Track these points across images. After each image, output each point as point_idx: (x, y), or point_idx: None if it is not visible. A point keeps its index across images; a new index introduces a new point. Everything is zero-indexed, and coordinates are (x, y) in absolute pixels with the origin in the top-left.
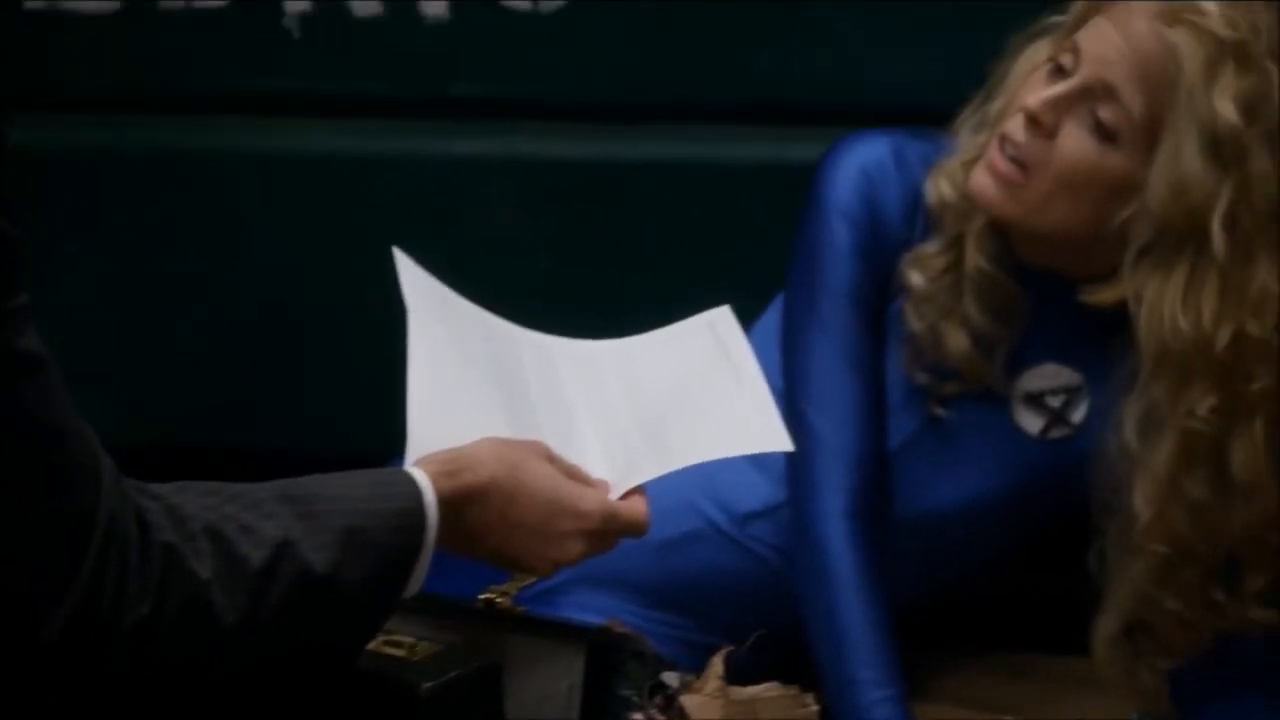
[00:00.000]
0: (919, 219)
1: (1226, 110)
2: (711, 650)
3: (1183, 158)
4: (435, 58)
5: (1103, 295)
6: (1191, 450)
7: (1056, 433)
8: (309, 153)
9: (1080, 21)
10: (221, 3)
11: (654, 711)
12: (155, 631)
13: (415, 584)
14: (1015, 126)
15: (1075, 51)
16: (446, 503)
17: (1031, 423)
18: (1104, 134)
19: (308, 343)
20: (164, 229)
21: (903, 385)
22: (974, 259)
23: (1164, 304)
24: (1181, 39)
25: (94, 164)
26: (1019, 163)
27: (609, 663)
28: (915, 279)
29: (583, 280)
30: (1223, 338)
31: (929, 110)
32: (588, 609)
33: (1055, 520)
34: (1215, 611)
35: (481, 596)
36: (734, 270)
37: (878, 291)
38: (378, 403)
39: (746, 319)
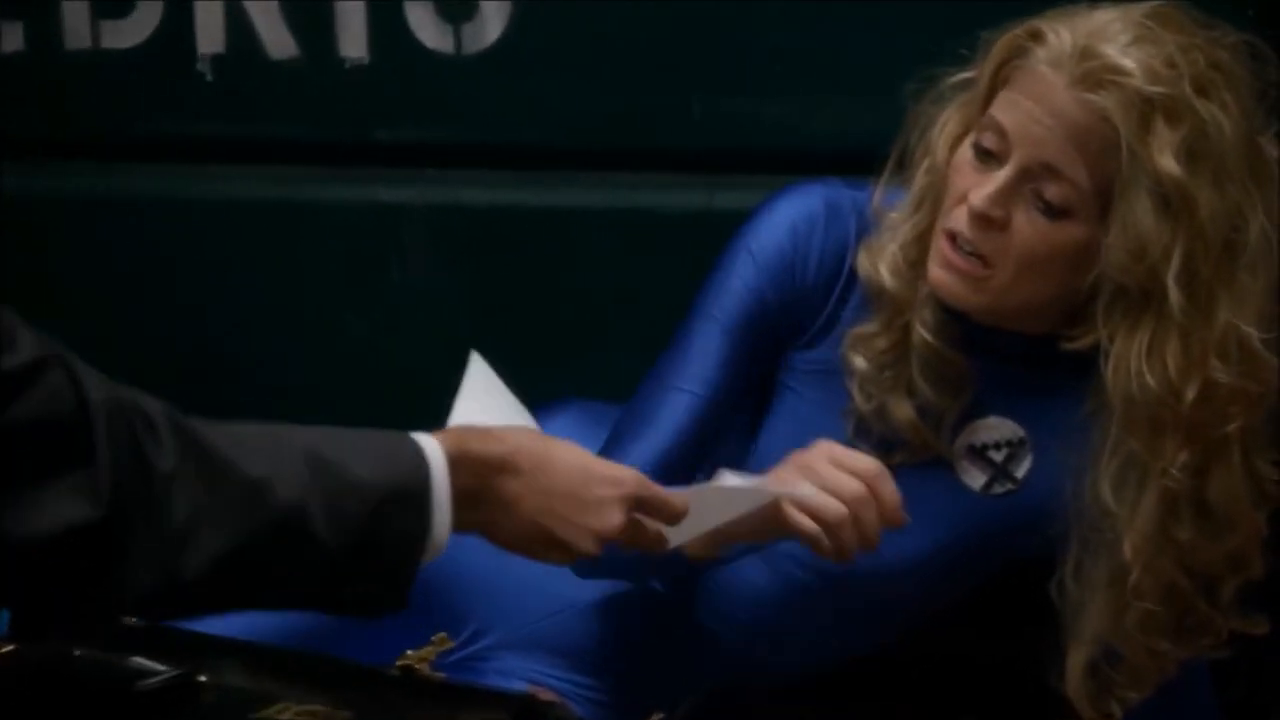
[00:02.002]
0: (849, 260)
1: (1168, 164)
2: (641, 717)
3: (1136, 219)
4: (355, 101)
5: (1082, 341)
6: (1174, 502)
7: (1000, 488)
8: (223, 200)
9: (989, 95)
10: (131, 43)
11: None
12: (184, 483)
13: (440, 530)
14: (963, 223)
15: (999, 133)
16: (475, 461)
17: (974, 478)
18: (1055, 212)
19: (224, 394)
20: (69, 278)
21: (838, 438)
22: (920, 336)
23: (1130, 359)
24: (1109, 102)
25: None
26: (978, 256)
27: None
28: (859, 362)
29: (506, 330)
30: (1190, 392)
31: (867, 157)
32: (511, 675)
33: (1000, 575)
34: (1193, 633)
35: (399, 663)
36: (661, 322)
37: (766, 336)
38: None
39: None
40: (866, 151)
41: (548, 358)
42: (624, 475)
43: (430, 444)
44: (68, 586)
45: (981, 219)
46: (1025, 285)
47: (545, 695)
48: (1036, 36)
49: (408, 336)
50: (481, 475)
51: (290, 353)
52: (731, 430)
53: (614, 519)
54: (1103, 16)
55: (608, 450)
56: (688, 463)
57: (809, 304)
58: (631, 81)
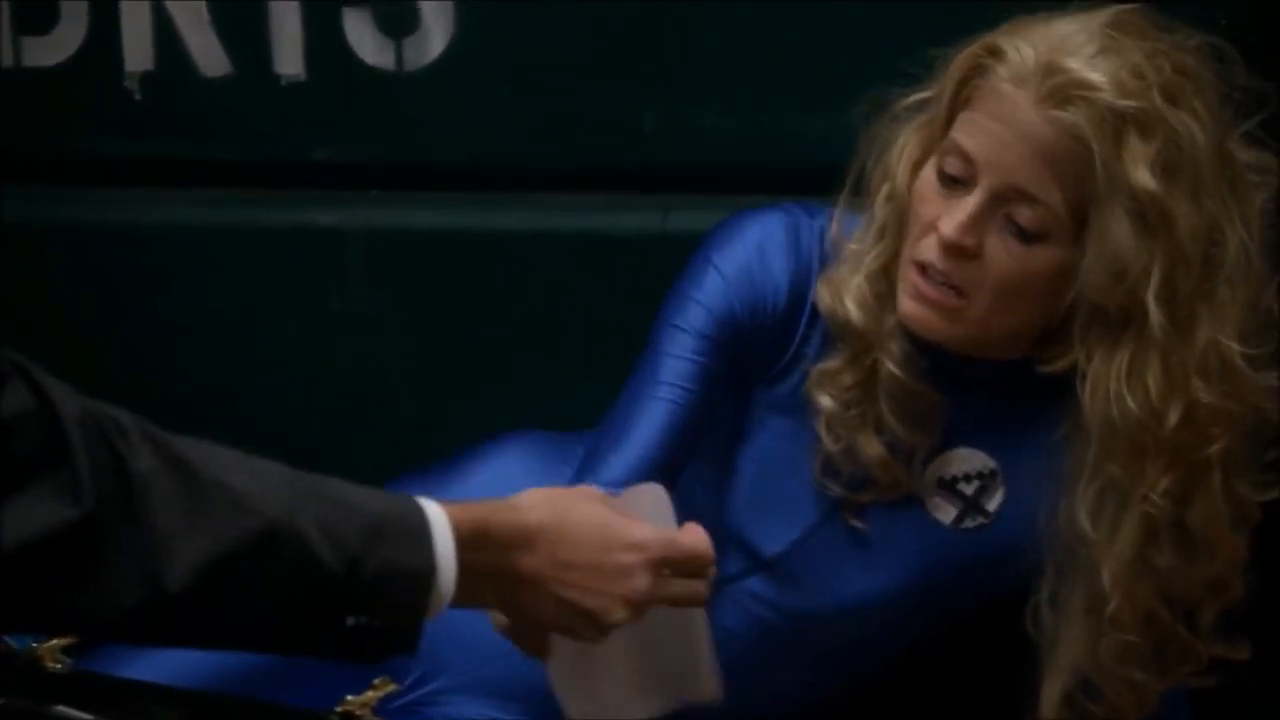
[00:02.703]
0: (811, 290)
1: (1144, 179)
2: None
3: (1113, 237)
4: (291, 120)
5: (1057, 364)
6: (1154, 528)
7: (971, 522)
8: (153, 223)
9: (949, 116)
10: (56, 60)
11: None
12: (162, 486)
13: (446, 574)
14: (933, 253)
15: (964, 158)
16: (491, 537)
17: (944, 512)
18: (1029, 236)
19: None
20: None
21: (804, 474)
22: (888, 370)
23: (1109, 381)
24: (1080, 118)
25: None
26: (951, 287)
27: None
28: (825, 401)
29: (451, 359)
30: (1173, 415)
31: (827, 177)
32: (465, 718)
33: (970, 612)
34: (1173, 662)
35: (339, 709)
36: (613, 349)
37: (735, 354)
38: None
39: None
40: (827, 171)
41: (494, 387)
42: (647, 539)
43: (424, 500)
44: (53, 593)
45: (953, 248)
46: (1002, 313)
47: None
48: (996, 53)
49: (347, 365)
50: (498, 550)
51: (223, 382)
52: (706, 440)
53: (639, 584)
54: (1064, 28)
55: (587, 465)
56: (667, 470)
57: (776, 333)
58: (581, 98)
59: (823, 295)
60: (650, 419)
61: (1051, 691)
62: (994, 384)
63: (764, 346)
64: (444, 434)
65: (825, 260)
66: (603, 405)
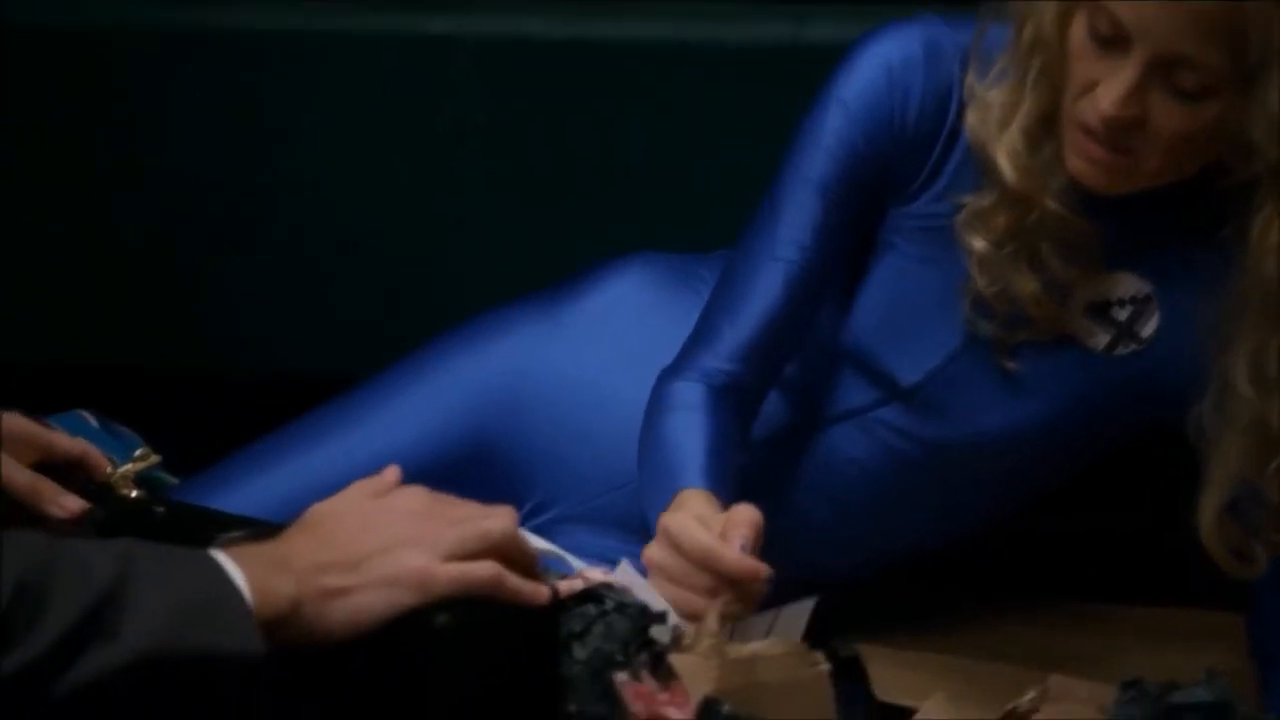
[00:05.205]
0: (953, 108)
1: None
2: None
3: (1272, 100)
4: None
5: (1239, 176)
6: None
7: (1124, 349)
8: (266, 31)
9: None
10: None
11: (641, 670)
12: None
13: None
14: (1095, 120)
15: (1115, 24)
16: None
17: (1096, 338)
18: (1193, 96)
19: (256, 235)
20: (95, 113)
21: (937, 299)
22: (1048, 206)
23: (1267, 241)
24: None
25: (20, 42)
26: (1119, 149)
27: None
28: (978, 244)
29: (561, 173)
30: None
31: None
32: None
33: (1119, 444)
34: None
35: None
36: (739, 167)
37: (864, 194)
38: (320, 313)
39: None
40: None
41: (613, 206)
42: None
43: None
44: None
45: (1115, 122)
46: (1174, 165)
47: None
48: None
49: (456, 179)
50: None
51: (328, 194)
52: (826, 298)
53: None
54: None
55: (700, 333)
56: (785, 336)
57: (911, 156)
58: None
59: (972, 122)
60: (767, 284)
61: (1209, 503)
62: (1155, 206)
63: (896, 170)
64: (556, 255)
65: (967, 75)
66: (729, 227)
